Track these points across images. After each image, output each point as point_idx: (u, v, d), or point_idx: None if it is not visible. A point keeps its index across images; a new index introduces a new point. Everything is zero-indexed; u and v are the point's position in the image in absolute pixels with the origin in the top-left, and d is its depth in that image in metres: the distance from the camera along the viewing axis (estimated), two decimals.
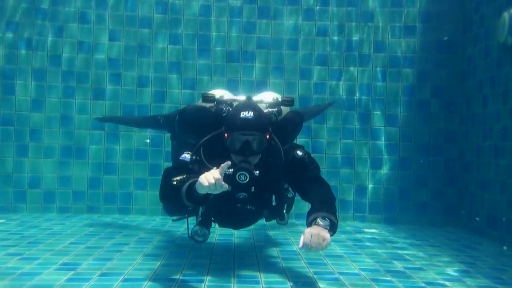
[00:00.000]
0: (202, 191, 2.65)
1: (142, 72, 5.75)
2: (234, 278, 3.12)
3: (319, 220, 2.87)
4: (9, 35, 5.61)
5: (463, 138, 5.64)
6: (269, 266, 3.49)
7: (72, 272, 3.13)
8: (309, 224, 2.91)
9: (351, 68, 5.84)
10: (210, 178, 2.59)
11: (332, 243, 4.28)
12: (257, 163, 3.05)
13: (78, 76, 5.69)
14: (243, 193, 3.16)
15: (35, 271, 3.12)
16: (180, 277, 3.09)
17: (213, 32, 5.82)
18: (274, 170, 3.19)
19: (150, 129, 5.60)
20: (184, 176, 2.88)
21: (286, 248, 4.12)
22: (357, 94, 5.82)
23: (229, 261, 3.62)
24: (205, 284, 2.95)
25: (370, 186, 5.76)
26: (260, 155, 3.06)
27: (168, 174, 3.05)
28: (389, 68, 5.82)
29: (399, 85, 5.81)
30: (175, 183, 2.86)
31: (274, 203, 3.42)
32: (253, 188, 3.10)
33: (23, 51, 5.62)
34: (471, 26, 5.56)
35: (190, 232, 3.37)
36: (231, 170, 2.91)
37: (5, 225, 4.81)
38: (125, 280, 2.99)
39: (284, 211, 3.79)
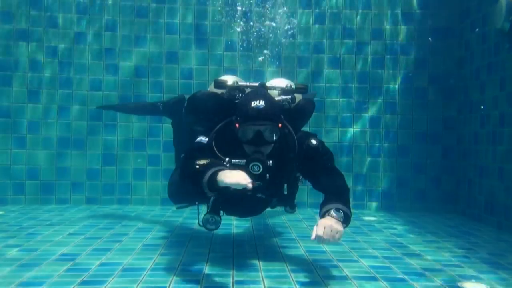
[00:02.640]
0: (223, 184, 2.62)
1: (138, 62, 5.73)
2: (233, 266, 3.12)
3: (333, 212, 2.81)
4: (5, 26, 5.58)
5: (461, 125, 5.64)
6: (268, 255, 3.50)
7: (71, 262, 3.14)
8: (322, 216, 2.85)
9: (349, 56, 5.82)
10: (240, 178, 2.58)
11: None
12: (270, 152, 2.99)
13: (75, 67, 5.66)
14: (258, 182, 3.07)
15: (34, 262, 3.13)
16: (179, 266, 3.09)
17: (210, 22, 5.79)
18: (287, 159, 3.14)
19: (149, 117, 5.59)
20: (208, 161, 2.84)
21: (285, 237, 4.13)
22: (355, 82, 5.81)
23: (229, 250, 3.63)
24: (204, 273, 2.96)
25: (368, 174, 5.76)
26: (273, 144, 3.01)
27: (191, 156, 2.98)
28: (387, 55, 5.81)
29: (396, 73, 5.81)
30: (197, 167, 2.81)
31: (285, 192, 3.39)
32: (267, 175, 3.02)
33: (19, 43, 5.60)
34: (468, 12, 5.54)
35: (201, 220, 3.30)
36: (244, 160, 2.88)
37: (4, 216, 4.81)
38: (124, 269, 3.00)
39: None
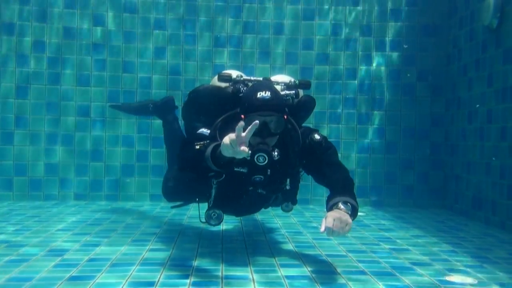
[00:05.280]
0: (226, 153, 2.63)
1: (127, 58, 5.71)
2: (222, 261, 3.12)
3: (340, 205, 2.82)
4: None
5: (448, 121, 5.68)
6: (257, 250, 3.51)
7: (59, 258, 3.12)
8: (329, 209, 2.86)
9: (337, 52, 5.83)
10: (229, 138, 2.59)
11: (318, 226, 4.31)
12: (274, 145, 2.98)
13: (63, 62, 5.63)
14: (259, 176, 3.09)
15: (22, 258, 3.11)
16: (168, 261, 3.09)
17: (200, 17, 5.78)
18: (291, 153, 3.14)
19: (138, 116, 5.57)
20: (207, 141, 2.86)
21: (274, 232, 4.14)
22: (343, 79, 5.83)
23: (218, 245, 3.62)
24: (193, 268, 2.96)
25: (357, 170, 5.78)
26: (278, 136, 3.00)
27: (188, 141, 2.99)
28: (375, 51, 5.83)
29: (385, 69, 5.83)
30: (198, 147, 2.83)
31: (288, 187, 3.40)
32: (269, 170, 3.03)
33: (6, 37, 5.55)
34: (456, 9, 5.58)
35: (203, 217, 3.27)
36: (249, 152, 2.89)
37: None
38: (113, 265, 2.99)
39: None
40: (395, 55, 5.83)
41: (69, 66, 5.64)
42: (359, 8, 5.84)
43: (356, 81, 5.83)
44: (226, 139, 2.60)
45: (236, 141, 2.55)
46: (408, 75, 5.80)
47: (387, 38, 5.84)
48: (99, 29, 5.68)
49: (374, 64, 5.84)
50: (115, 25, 5.70)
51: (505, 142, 4.45)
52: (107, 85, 5.67)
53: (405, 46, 5.80)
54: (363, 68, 5.83)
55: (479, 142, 4.92)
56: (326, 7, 5.83)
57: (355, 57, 5.84)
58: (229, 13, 5.79)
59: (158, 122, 5.35)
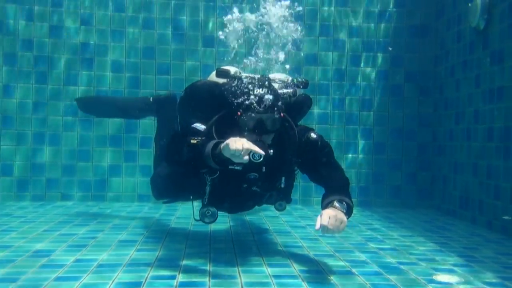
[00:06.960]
0: (226, 154, 2.66)
1: (115, 57, 5.68)
2: (210, 261, 3.12)
3: (336, 203, 2.84)
4: None
5: (436, 122, 5.70)
6: (245, 250, 3.51)
7: (46, 258, 3.10)
8: (325, 207, 2.87)
9: (326, 53, 5.84)
10: (239, 144, 2.61)
11: (306, 226, 4.33)
12: (270, 143, 2.98)
13: (50, 61, 5.59)
14: (254, 174, 3.09)
15: (8, 259, 3.08)
16: (156, 262, 3.07)
17: (187, 17, 5.77)
18: (287, 151, 3.14)
19: (127, 119, 5.52)
20: (203, 138, 2.87)
21: (262, 232, 4.14)
22: (332, 79, 5.84)
23: (205, 245, 3.61)
24: (180, 268, 2.94)
25: (345, 170, 5.76)
26: (274, 134, 3.01)
27: (181, 135, 3.00)
28: (363, 52, 5.85)
29: (373, 70, 5.85)
30: (194, 141, 2.84)
31: (283, 185, 3.39)
32: (264, 168, 3.04)
33: None
34: (444, 10, 5.61)
35: (198, 215, 3.25)
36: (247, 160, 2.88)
37: None
38: (100, 266, 2.97)
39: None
40: (383, 56, 5.85)
41: (56, 66, 5.59)
42: (348, 8, 5.85)
43: (345, 82, 5.84)
44: (232, 144, 2.63)
45: (240, 152, 2.61)
46: (397, 76, 5.82)
47: (375, 39, 5.85)
48: (86, 28, 5.64)
49: (362, 65, 5.85)
50: (102, 24, 5.66)
51: (492, 143, 4.47)
52: (94, 84, 5.64)
53: (390, 49, 5.82)
54: (351, 69, 5.84)
55: (466, 142, 4.95)
56: (314, 8, 5.84)
57: (343, 57, 5.85)
58: (217, 12, 5.78)
59: (146, 122, 5.36)
